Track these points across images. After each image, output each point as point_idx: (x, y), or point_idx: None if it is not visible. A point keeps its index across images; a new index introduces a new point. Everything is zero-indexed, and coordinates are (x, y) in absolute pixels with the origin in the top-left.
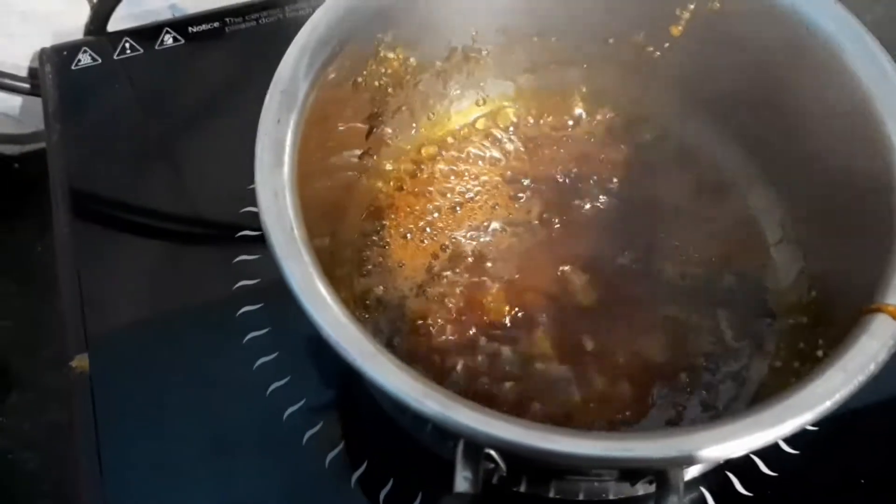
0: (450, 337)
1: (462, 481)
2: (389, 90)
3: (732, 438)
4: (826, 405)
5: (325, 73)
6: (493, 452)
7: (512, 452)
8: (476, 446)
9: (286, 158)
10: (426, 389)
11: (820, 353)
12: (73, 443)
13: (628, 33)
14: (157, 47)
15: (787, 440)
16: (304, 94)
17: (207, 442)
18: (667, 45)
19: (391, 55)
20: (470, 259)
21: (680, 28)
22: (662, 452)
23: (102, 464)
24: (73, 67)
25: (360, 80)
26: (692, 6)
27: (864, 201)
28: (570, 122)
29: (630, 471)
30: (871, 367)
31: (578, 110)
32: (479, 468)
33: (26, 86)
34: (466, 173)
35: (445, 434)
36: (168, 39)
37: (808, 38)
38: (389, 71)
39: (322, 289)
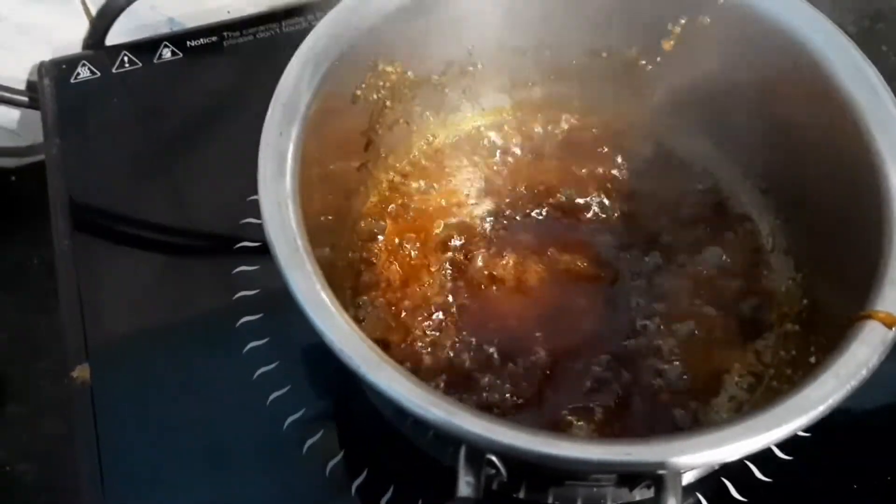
0: (440, 347)
1: (465, 486)
2: (387, 103)
3: (729, 442)
4: (819, 410)
5: (326, 86)
6: (494, 458)
7: (514, 457)
8: (478, 452)
9: (288, 169)
10: (431, 397)
11: (812, 359)
12: (73, 453)
13: (621, 48)
14: (155, 61)
15: (781, 446)
16: (305, 107)
17: (209, 452)
18: (659, 59)
19: (389, 69)
20: (465, 272)
21: (671, 43)
22: (660, 457)
23: (103, 474)
24: (71, 81)
25: (358, 92)
26: (683, 21)
27: (852, 209)
28: (565, 136)
29: (628, 476)
30: (863, 373)
31: (573, 123)
32: (481, 473)
33: (25, 99)
34: (463, 185)
35: (448, 440)
36: (166, 53)
37: (796, 52)
38: (387, 84)
39: (326, 299)
